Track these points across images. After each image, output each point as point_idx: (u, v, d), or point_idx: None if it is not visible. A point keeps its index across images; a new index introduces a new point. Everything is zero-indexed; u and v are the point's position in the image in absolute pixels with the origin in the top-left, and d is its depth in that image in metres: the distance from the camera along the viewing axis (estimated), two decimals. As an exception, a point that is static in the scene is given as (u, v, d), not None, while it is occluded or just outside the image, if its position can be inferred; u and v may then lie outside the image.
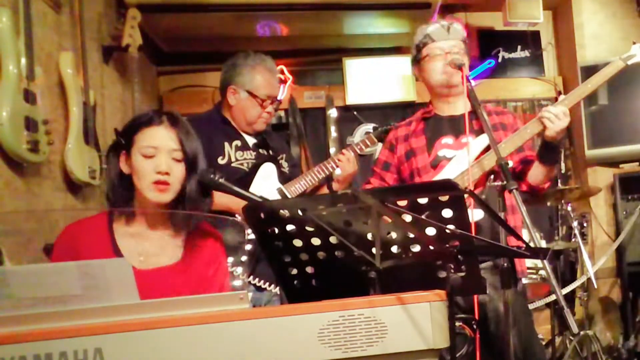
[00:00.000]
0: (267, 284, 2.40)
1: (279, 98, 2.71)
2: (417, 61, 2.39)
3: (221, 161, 2.47)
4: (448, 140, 2.32)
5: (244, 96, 2.56)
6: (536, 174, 2.23)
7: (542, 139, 2.18)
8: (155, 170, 1.62)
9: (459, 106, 2.34)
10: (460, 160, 2.24)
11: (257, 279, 2.37)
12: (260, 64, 2.59)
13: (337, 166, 2.64)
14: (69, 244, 1.66)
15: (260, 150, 2.60)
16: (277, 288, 2.44)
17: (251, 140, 2.60)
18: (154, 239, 1.70)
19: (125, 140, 1.68)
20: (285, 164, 2.67)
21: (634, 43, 2.27)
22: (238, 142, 2.54)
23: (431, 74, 2.32)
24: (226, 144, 2.51)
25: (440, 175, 2.26)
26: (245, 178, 2.47)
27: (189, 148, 1.70)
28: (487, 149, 2.23)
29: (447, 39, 2.31)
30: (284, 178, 2.61)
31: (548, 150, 2.18)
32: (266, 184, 2.51)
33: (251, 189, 2.43)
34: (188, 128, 1.73)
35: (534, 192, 2.31)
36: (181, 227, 1.72)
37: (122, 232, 1.69)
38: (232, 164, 2.48)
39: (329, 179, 2.68)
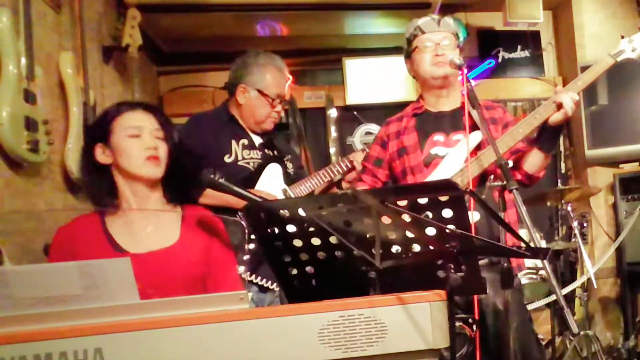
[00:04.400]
0: (270, 282, 2.39)
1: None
2: (408, 54, 2.37)
3: (228, 159, 2.46)
4: (439, 137, 2.30)
5: (253, 95, 2.55)
6: (534, 162, 2.21)
7: (545, 125, 2.15)
8: (144, 147, 1.69)
9: (450, 101, 2.34)
10: (453, 158, 2.23)
11: (260, 279, 2.37)
12: (270, 63, 2.59)
13: (348, 170, 2.63)
14: (64, 244, 1.69)
15: (267, 151, 2.60)
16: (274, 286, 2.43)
17: (258, 140, 2.60)
18: (146, 220, 1.73)
19: (100, 130, 1.73)
20: (290, 166, 2.66)
21: (622, 37, 2.24)
22: (245, 141, 2.54)
23: (420, 65, 2.31)
24: (233, 142, 2.50)
25: (434, 174, 2.25)
26: (251, 177, 2.47)
27: (168, 130, 1.77)
28: (479, 146, 2.22)
29: (437, 30, 2.29)
30: (289, 179, 2.61)
31: (551, 136, 2.16)
32: (271, 184, 2.51)
33: (256, 189, 2.43)
34: (164, 114, 1.81)
35: (530, 181, 2.27)
36: (175, 203, 1.78)
37: (115, 223, 1.72)
38: (239, 163, 2.48)
39: (339, 180, 2.67)
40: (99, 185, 1.73)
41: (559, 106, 2.10)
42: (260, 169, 2.52)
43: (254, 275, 2.34)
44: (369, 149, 2.59)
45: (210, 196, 2.30)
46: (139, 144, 1.69)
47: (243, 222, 2.25)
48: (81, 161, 1.81)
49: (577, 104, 2.12)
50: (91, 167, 1.74)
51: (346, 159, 2.68)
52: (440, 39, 2.28)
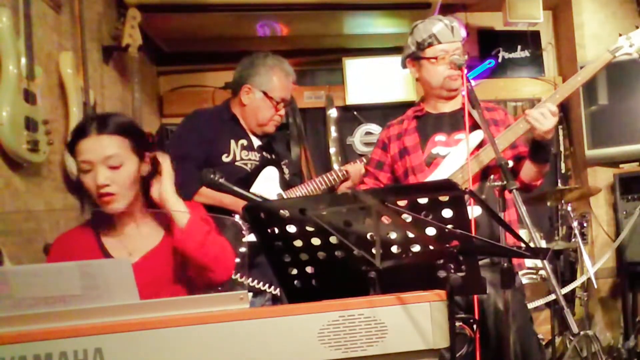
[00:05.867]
0: (261, 283, 2.38)
1: None
2: (417, 58, 2.35)
3: (225, 159, 2.45)
4: (441, 137, 2.31)
5: (258, 96, 2.53)
6: (528, 172, 2.24)
7: (531, 138, 2.18)
8: (95, 185, 1.61)
9: (451, 103, 2.36)
10: (455, 158, 2.24)
11: (250, 280, 2.36)
12: (278, 66, 2.57)
13: (344, 179, 2.62)
14: (62, 254, 1.68)
15: (265, 153, 2.58)
16: (272, 289, 2.42)
17: (257, 142, 2.58)
18: (137, 228, 1.72)
19: (73, 154, 1.68)
20: (287, 171, 2.65)
21: (620, 35, 2.25)
22: (244, 142, 2.52)
23: (435, 75, 2.31)
24: (232, 142, 2.48)
25: (435, 173, 2.26)
26: (247, 179, 2.46)
27: (134, 139, 1.67)
28: (480, 145, 2.24)
29: (452, 40, 2.28)
30: (285, 184, 2.59)
31: (538, 149, 2.18)
32: (267, 187, 2.50)
33: (251, 191, 2.43)
34: (122, 123, 1.69)
35: (527, 189, 2.31)
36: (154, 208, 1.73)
37: (108, 234, 1.72)
38: (236, 163, 2.46)
39: (333, 188, 2.67)
40: (86, 199, 1.72)
41: (529, 123, 2.12)
42: (257, 171, 2.50)
43: (244, 278, 2.34)
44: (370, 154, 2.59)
45: (205, 195, 2.30)
46: (91, 179, 1.62)
47: (237, 224, 2.25)
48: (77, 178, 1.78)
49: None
50: (76, 183, 1.73)
51: (344, 168, 2.67)
52: (454, 49, 2.27)
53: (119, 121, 1.69)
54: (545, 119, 2.10)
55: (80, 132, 1.65)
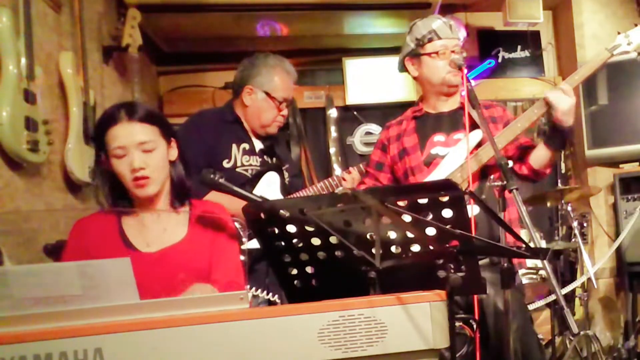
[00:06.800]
0: (259, 290, 2.37)
1: None
2: (417, 55, 2.35)
3: (226, 164, 2.42)
4: (440, 137, 2.31)
5: (260, 97, 2.51)
6: (540, 157, 2.22)
7: (550, 122, 2.17)
8: (130, 168, 1.65)
9: (450, 103, 2.36)
10: (454, 157, 2.24)
11: (247, 286, 2.35)
12: (279, 65, 2.55)
13: (340, 185, 2.61)
14: (78, 237, 1.70)
15: (266, 157, 2.56)
16: (270, 295, 2.41)
17: (259, 145, 2.55)
18: (159, 222, 1.74)
19: (98, 143, 1.72)
20: (287, 174, 2.64)
21: (619, 33, 2.25)
22: (246, 146, 2.49)
23: (435, 71, 2.30)
24: (234, 146, 2.46)
25: (435, 173, 2.26)
26: (247, 185, 2.43)
27: (161, 125, 1.72)
28: (480, 144, 2.23)
29: (451, 37, 2.29)
30: (285, 189, 2.57)
31: (556, 134, 2.16)
32: (267, 193, 2.48)
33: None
34: (148, 110, 1.73)
35: (535, 176, 2.28)
36: (180, 205, 1.76)
37: (129, 222, 1.73)
38: (237, 169, 2.44)
39: None
40: (109, 189, 1.73)
41: (547, 103, 2.12)
42: (257, 176, 2.48)
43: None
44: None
45: None
46: (125, 164, 1.65)
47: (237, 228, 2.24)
48: (97, 167, 1.81)
49: (576, 97, 2.13)
50: (104, 174, 1.74)
51: (344, 173, 2.66)
52: (453, 45, 2.29)
53: (146, 108, 1.74)
54: (560, 99, 2.09)
55: (110, 120, 1.68)
